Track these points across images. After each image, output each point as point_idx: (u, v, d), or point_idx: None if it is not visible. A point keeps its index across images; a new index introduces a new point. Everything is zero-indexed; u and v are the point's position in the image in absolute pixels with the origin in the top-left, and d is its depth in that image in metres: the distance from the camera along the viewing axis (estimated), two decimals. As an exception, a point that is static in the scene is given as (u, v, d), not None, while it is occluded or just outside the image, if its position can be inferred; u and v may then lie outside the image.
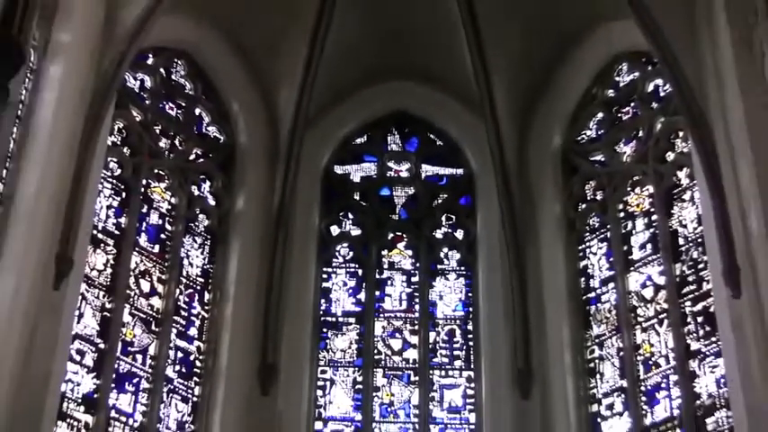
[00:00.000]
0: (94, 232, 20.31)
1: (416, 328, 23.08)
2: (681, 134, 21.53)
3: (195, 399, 21.10)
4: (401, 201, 24.46)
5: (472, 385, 22.37)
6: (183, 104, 23.30)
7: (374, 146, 25.02)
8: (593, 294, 22.31)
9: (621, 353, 21.24)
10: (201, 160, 23.23)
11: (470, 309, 23.21)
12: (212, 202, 23.03)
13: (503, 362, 21.96)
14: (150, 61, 22.75)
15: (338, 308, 23.24)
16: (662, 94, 22.46)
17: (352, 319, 23.12)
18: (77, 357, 19.40)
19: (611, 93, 23.61)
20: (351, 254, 23.80)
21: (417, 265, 23.81)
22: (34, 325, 17.55)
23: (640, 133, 22.70)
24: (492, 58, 23.23)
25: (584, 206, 23.12)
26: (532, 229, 23.05)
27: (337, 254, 23.78)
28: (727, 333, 18.51)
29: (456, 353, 22.85)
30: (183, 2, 21.12)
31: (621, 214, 22.48)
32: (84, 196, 19.12)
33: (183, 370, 21.18)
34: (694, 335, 20.22)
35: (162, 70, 23.02)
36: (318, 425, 21.90)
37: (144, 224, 21.70)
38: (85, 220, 19.36)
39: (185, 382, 21.09)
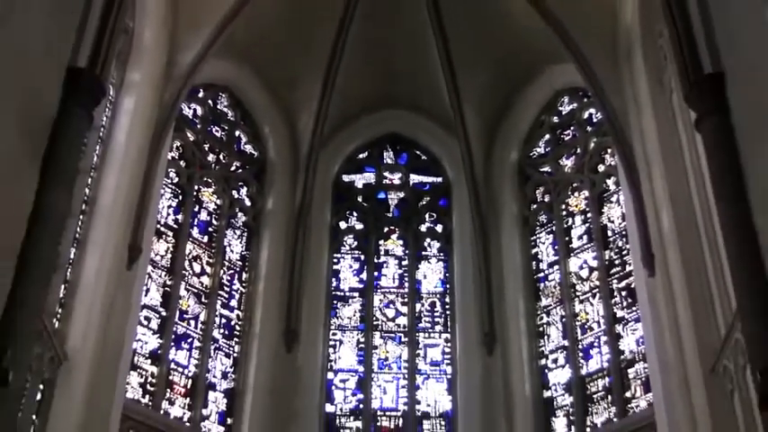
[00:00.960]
0: (158, 226, 20.49)
1: (406, 300, 23.19)
2: (609, 151, 21.66)
3: (235, 355, 21.24)
4: (394, 202, 24.52)
5: (449, 345, 22.49)
6: (226, 128, 23.32)
7: (373, 160, 25.02)
8: (542, 274, 22.41)
9: (564, 319, 21.42)
10: (240, 171, 23.27)
11: (447, 285, 23.34)
12: (248, 203, 23.09)
13: (472, 327, 22.07)
14: (201, 94, 22.77)
15: (345, 285, 23.33)
16: (594, 120, 22.55)
17: (356, 294, 23.24)
18: (145, 322, 19.64)
19: (555, 119, 23.65)
20: (355, 243, 23.89)
21: (406, 251, 23.87)
22: (113, 297, 17.84)
23: (578, 150, 22.86)
24: (464, 93, 23.31)
25: (535, 206, 23.21)
26: (495, 224, 23.09)
27: (344, 243, 23.85)
28: (644, 304, 18.70)
29: (436, 319, 22.95)
30: (225, 49, 21.14)
31: (564, 212, 22.63)
32: (150, 198, 19.35)
33: (226, 332, 21.31)
34: (619, 305, 20.42)
35: (210, 101, 23.04)
36: (330, 375, 22.00)
37: (196, 220, 21.79)
38: (151, 217, 19.59)
39: (227, 342, 21.22)
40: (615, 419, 19.41)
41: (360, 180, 24.77)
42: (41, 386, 15.56)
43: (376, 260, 23.73)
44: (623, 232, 20.73)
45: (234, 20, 20.60)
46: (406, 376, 22.18)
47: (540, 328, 21.81)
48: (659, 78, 18.96)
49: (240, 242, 22.63)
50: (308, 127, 23.49)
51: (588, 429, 19.90)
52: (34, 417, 15.38)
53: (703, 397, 15.99)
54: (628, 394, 19.47)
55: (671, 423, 16.87)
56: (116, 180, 18.24)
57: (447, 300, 23.17)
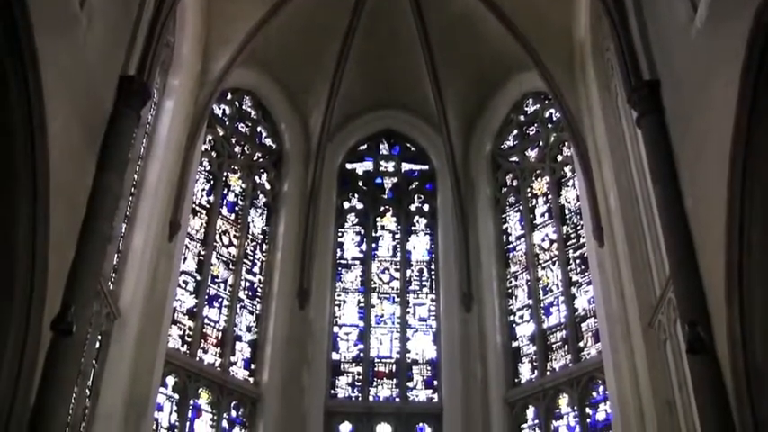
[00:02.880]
0: (193, 206, 20.53)
1: (398, 267, 23.25)
2: (566, 144, 21.70)
3: (257, 312, 21.32)
4: (388, 186, 24.49)
5: (434, 303, 22.59)
6: (249, 125, 23.31)
7: (371, 151, 24.97)
8: (510, 245, 22.48)
9: (528, 282, 21.53)
10: (261, 160, 23.26)
11: (433, 255, 23.37)
12: (268, 187, 23.10)
13: (453, 289, 22.12)
14: (229, 97, 22.74)
15: (348, 254, 23.35)
16: (554, 118, 22.54)
17: (357, 262, 23.28)
18: (183, 285, 19.76)
19: (522, 118, 23.63)
20: (356, 220, 23.89)
21: (399, 227, 23.88)
22: (156, 264, 18.01)
23: (540, 143, 22.91)
24: (446, 96, 23.28)
25: (505, 189, 23.25)
26: (472, 204, 23.09)
27: (347, 220, 23.85)
28: (594, 269, 18.88)
29: (424, 283, 23.00)
30: (249, 59, 21.20)
31: (529, 195, 22.68)
32: (186, 183, 19.49)
33: (249, 293, 21.39)
34: (574, 271, 20.58)
35: (236, 103, 23.01)
36: (335, 329, 22.08)
37: (224, 200, 21.82)
38: (188, 198, 19.67)
39: (251, 301, 21.31)
40: (570, 365, 19.56)
41: (360, 168, 24.74)
42: (99, 337, 15.72)
43: (373, 234, 23.73)
44: (578, 211, 20.87)
45: (256, 35, 20.72)
46: (399, 330, 22.26)
47: (509, 290, 21.90)
48: (607, 84, 19.05)
49: (261, 219, 22.65)
50: (317, 124, 23.47)
51: (548, 372, 20.00)
52: (94, 362, 15.56)
53: (642, 346, 16.19)
54: (581, 344, 19.63)
55: (615, 367, 17.07)
56: (159, 167, 18.33)
57: (432, 266, 23.20)
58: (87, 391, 15.27)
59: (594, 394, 18.76)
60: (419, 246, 23.63)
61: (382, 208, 24.23)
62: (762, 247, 10.48)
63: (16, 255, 10.73)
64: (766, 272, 10.56)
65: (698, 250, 12.37)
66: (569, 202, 21.48)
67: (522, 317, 21.33)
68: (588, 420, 18.64)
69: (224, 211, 21.68)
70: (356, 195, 24.31)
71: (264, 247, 22.31)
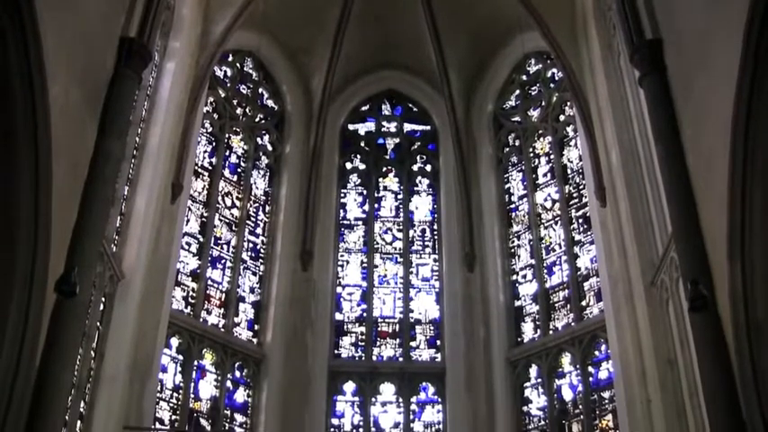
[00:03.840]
0: (196, 168, 20.55)
1: (401, 227, 23.26)
2: (568, 104, 21.70)
3: (260, 273, 21.40)
4: (391, 147, 24.47)
5: (437, 264, 22.63)
6: (251, 86, 23.27)
7: (373, 112, 24.90)
8: (513, 205, 22.49)
9: (531, 242, 21.57)
10: (263, 122, 23.25)
11: (435, 215, 23.38)
12: (270, 148, 23.10)
13: (456, 248, 22.16)
14: (230, 59, 22.66)
15: (351, 215, 23.38)
16: (556, 78, 22.51)
17: (359, 222, 23.30)
18: (186, 247, 19.82)
19: (524, 77, 23.61)
20: (359, 180, 23.89)
21: (401, 187, 23.87)
22: (159, 226, 18.03)
23: (543, 103, 22.85)
24: (448, 56, 23.17)
25: (507, 149, 23.23)
26: (474, 165, 23.08)
27: (350, 180, 23.86)
28: (597, 229, 18.87)
29: (426, 243, 23.04)
30: (250, 21, 21.04)
31: (531, 154, 22.66)
32: (188, 145, 19.43)
33: (253, 255, 21.46)
34: (577, 230, 20.59)
35: (238, 64, 22.95)
36: (339, 289, 22.18)
37: (227, 162, 21.82)
38: (190, 160, 19.65)
39: (254, 263, 21.38)
40: (573, 324, 19.64)
41: (362, 128, 24.69)
42: (103, 299, 15.78)
43: (376, 194, 23.74)
44: (580, 170, 20.85)
45: (257, -3, 20.64)
46: (402, 290, 22.33)
47: (512, 250, 21.95)
48: (609, 44, 18.93)
49: (264, 180, 22.66)
50: (319, 85, 23.40)
51: (551, 332, 20.10)
52: (98, 324, 15.61)
53: (644, 305, 16.28)
54: (583, 303, 19.73)
55: (618, 326, 17.13)
56: (161, 130, 18.25)
57: (435, 227, 23.24)
58: (92, 353, 15.36)
59: (597, 353, 18.86)
60: (421, 206, 23.64)
61: (384, 168, 24.22)
62: (764, 205, 10.49)
63: (19, 218, 10.73)
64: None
65: (700, 208, 12.37)
66: (571, 162, 21.45)
67: (524, 276, 21.40)
68: (590, 379, 18.75)
69: (226, 172, 21.68)
70: (358, 156, 24.29)
71: (267, 208, 22.34)
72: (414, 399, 20.77)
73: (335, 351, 21.29)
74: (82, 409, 14.93)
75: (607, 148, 18.62)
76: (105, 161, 13.11)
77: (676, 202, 13.00)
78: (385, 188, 23.94)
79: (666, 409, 15.22)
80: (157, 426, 17.41)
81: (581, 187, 20.77)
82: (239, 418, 19.45)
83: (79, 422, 14.76)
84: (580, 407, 18.79)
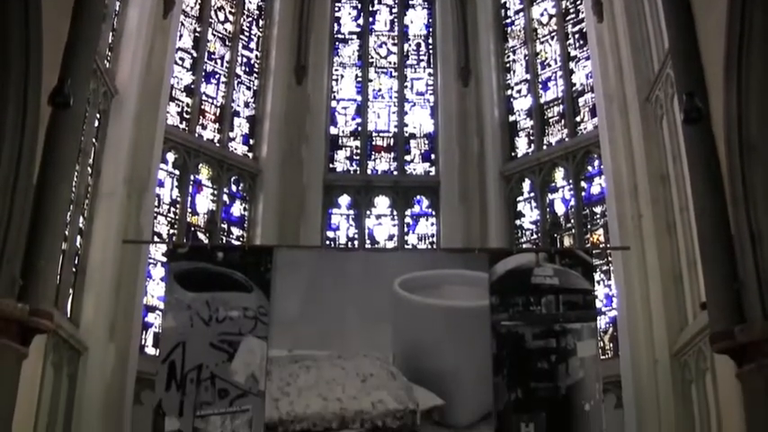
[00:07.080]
0: (188, -21, 20.15)
1: (396, 41, 22.89)
2: None
3: (255, 88, 21.25)
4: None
5: (431, 78, 22.44)
6: None
7: None
8: (509, 20, 22.05)
9: (526, 57, 21.33)
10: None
11: (431, 29, 22.97)
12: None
13: (451, 63, 21.95)
14: None
15: (345, 29, 22.94)
16: None
17: (354, 36, 22.91)
18: (180, 62, 19.64)
19: None
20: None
21: (396, 1, 23.22)
22: (152, 41, 17.76)
23: None
24: None
25: (504, -39, 22.75)
26: (471, -24, 22.64)
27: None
28: (593, 45, 18.57)
29: (421, 57, 22.75)
30: None
31: (528, -30, 22.19)
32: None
33: (247, 69, 21.25)
34: (573, 46, 20.38)
35: None
36: (333, 103, 22.05)
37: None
38: (182, -28, 19.24)
39: (248, 77, 21.20)
40: (567, 139, 19.72)
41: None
42: (98, 116, 15.82)
43: (370, 8, 23.19)
44: (577, -16, 20.49)
45: None
46: (396, 104, 22.21)
47: (507, 65, 21.71)
48: None
49: (257, -8, 22.27)
50: None
51: (545, 147, 20.18)
52: (94, 141, 15.71)
53: (638, 120, 16.34)
54: (578, 119, 19.72)
55: (611, 141, 17.13)
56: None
57: (430, 41, 22.90)
58: (89, 169, 15.51)
59: (590, 168, 19.00)
60: (417, 20, 23.20)
61: (379, -10, 23.70)
62: (763, 22, 10.43)
63: (9, 33, 10.69)
64: (766, 46, 10.55)
65: (698, 24, 12.28)
66: (569, -24, 21.03)
67: (519, 91, 21.26)
68: (583, 194, 18.95)
69: (219, -18, 21.27)
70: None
71: (261, 22, 21.95)
72: (408, 212, 21.00)
73: (330, 165, 21.37)
74: (81, 225, 15.19)
75: (605, -39, 18.23)
76: (96, -25, 12.92)
77: (674, 17, 12.89)
78: (380, 1, 23.38)
79: (657, 224, 15.50)
80: (155, 239, 17.70)
81: (578, 2, 20.39)
82: (236, 231, 19.74)
83: (79, 237, 15.04)
84: (572, 221, 19.05)
